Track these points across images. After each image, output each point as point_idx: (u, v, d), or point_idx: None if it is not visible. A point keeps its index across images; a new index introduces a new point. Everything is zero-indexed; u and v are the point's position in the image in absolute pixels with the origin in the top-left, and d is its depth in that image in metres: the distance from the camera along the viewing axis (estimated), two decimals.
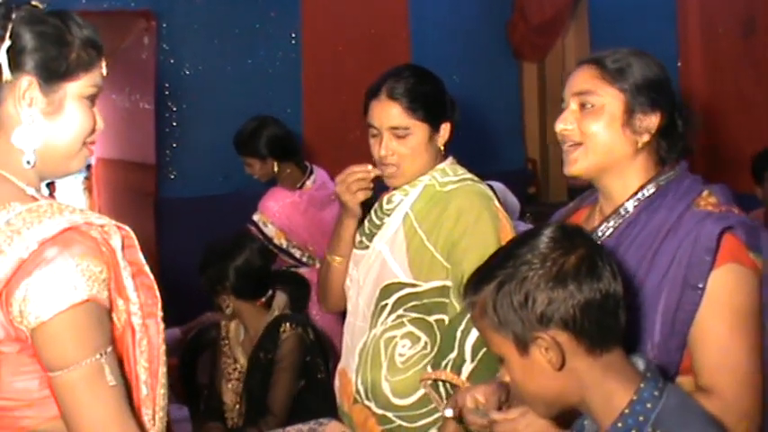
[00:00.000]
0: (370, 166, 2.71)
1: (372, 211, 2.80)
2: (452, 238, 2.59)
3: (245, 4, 6.24)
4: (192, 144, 6.01)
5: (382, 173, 2.70)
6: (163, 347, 1.82)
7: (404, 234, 2.68)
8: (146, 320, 1.77)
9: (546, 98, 7.98)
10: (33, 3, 1.74)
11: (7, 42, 1.67)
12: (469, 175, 2.75)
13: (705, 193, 2.09)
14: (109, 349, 1.68)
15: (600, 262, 1.66)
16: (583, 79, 2.14)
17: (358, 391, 2.72)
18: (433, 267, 2.62)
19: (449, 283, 2.59)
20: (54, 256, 1.61)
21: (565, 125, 2.16)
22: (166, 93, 5.85)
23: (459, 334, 2.52)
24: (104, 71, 1.82)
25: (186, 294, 3.77)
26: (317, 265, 4.61)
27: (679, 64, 5.99)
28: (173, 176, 6.03)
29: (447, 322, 2.59)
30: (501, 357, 1.72)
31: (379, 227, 2.76)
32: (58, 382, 1.64)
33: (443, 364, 2.54)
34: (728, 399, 1.91)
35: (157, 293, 1.80)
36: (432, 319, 2.62)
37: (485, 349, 2.42)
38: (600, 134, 2.10)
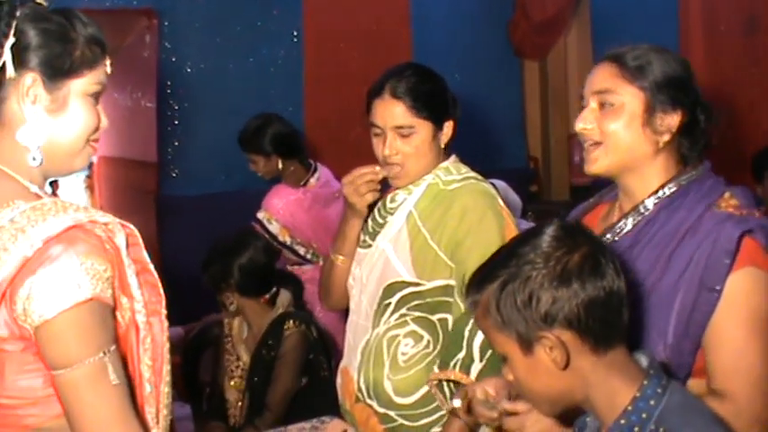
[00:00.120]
0: (377, 168, 2.70)
1: (376, 210, 2.79)
2: (456, 237, 2.59)
3: (247, 1, 6.23)
4: (193, 142, 6.01)
5: (387, 173, 2.69)
6: (167, 345, 1.82)
7: (407, 233, 2.68)
8: (150, 318, 1.77)
9: (548, 96, 7.97)
10: (38, 0, 1.74)
11: (11, 39, 1.67)
12: (473, 174, 2.75)
13: (726, 194, 2.06)
14: (112, 348, 1.68)
15: (603, 259, 1.65)
16: (602, 78, 2.11)
17: (360, 390, 2.72)
18: (436, 266, 2.61)
19: (452, 282, 2.58)
20: (58, 255, 1.61)
21: (584, 124, 2.11)
22: (168, 91, 5.84)
23: (466, 333, 2.51)
24: (109, 69, 1.82)
25: (188, 292, 3.77)
26: (321, 263, 4.62)
27: None
28: (174, 174, 6.02)
29: (452, 322, 2.59)
30: (504, 356, 1.72)
31: (382, 225, 2.75)
32: (62, 381, 1.64)
33: (452, 364, 2.53)
34: (741, 403, 1.90)
35: (161, 291, 1.81)
36: (435, 318, 2.62)
37: None
38: (620, 134, 2.07)
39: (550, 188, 8.11)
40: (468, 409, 2.19)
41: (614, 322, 1.66)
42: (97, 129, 1.81)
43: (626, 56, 2.08)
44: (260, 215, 4.83)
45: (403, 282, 2.65)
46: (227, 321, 3.98)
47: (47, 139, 1.73)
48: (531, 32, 7.59)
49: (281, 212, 4.81)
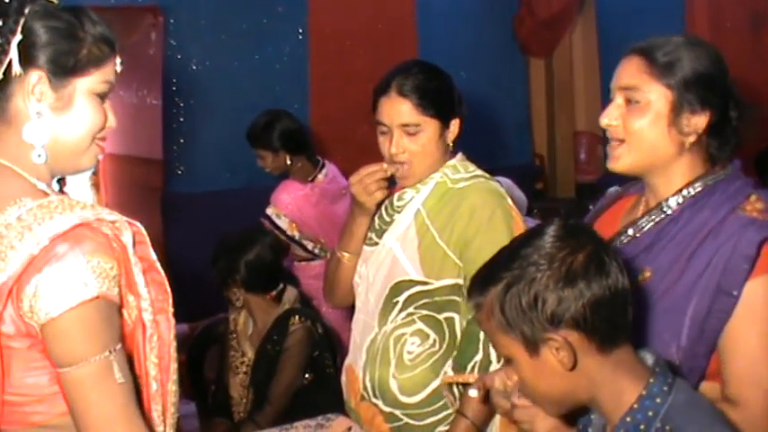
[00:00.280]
0: (385, 165, 2.68)
1: (383, 208, 2.77)
2: (465, 236, 2.58)
3: None
4: (199, 139, 6.02)
5: (393, 171, 2.68)
6: (174, 344, 1.82)
7: (415, 231, 2.67)
8: (156, 316, 1.77)
9: (553, 93, 7.97)
10: None
11: (18, 37, 1.67)
12: (480, 172, 2.73)
13: (753, 197, 1.99)
14: (118, 346, 1.69)
15: (606, 258, 1.65)
16: (629, 73, 2.04)
17: (365, 389, 2.71)
18: (444, 265, 2.60)
19: (461, 281, 2.57)
20: (65, 253, 1.61)
21: (609, 120, 2.06)
22: (174, 88, 5.84)
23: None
24: (119, 68, 1.82)
25: (193, 290, 3.78)
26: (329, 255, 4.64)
27: None
28: (180, 172, 6.03)
29: (460, 322, 2.59)
30: (508, 358, 1.72)
31: (389, 224, 2.74)
32: (67, 379, 1.65)
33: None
34: (754, 411, 1.88)
35: (168, 289, 1.81)
36: (442, 317, 2.61)
37: None
38: (644, 133, 2.01)
39: (556, 185, 8.11)
40: (485, 399, 2.17)
41: (620, 321, 1.65)
42: (104, 127, 1.80)
43: (656, 50, 2.02)
44: (269, 210, 4.86)
45: (411, 280, 2.64)
46: (233, 318, 3.99)
47: (51, 137, 1.73)
48: (537, 29, 7.59)
49: (289, 207, 4.84)
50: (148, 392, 1.79)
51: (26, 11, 1.68)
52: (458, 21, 7.24)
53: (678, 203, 2.03)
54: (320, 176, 4.92)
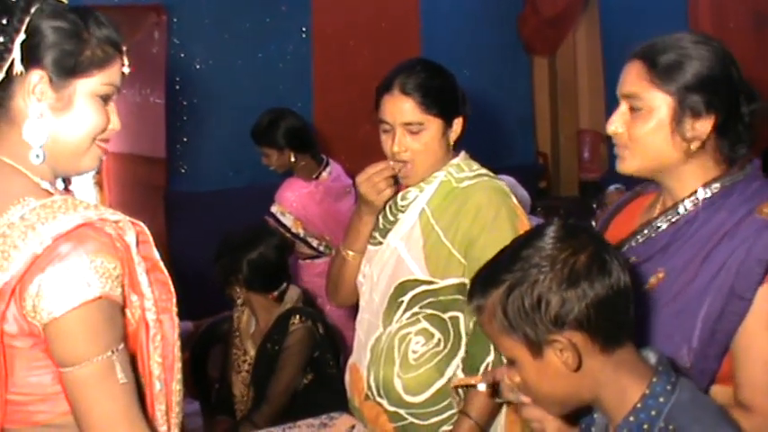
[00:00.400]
0: (391, 162, 2.67)
1: (387, 207, 2.76)
2: (470, 235, 2.57)
3: None
4: (202, 138, 6.02)
5: (397, 171, 2.67)
6: (178, 343, 1.82)
7: (420, 230, 2.66)
8: (160, 316, 1.77)
9: (557, 92, 7.98)
10: None
11: (22, 36, 1.66)
12: (485, 171, 2.72)
13: None
14: (120, 346, 1.68)
15: (607, 257, 1.64)
16: (631, 80, 2.00)
17: (370, 388, 2.71)
18: (449, 264, 2.59)
19: (465, 280, 2.56)
20: (68, 253, 1.61)
21: (615, 128, 2.03)
22: (177, 87, 5.85)
23: None
24: (126, 70, 1.81)
25: (197, 288, 3.78)
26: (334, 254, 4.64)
27: None
28: (183, 170, 6.04)
29: (465, 321, 2.58)
30: (511, 360, 1.71)
31: (393, 223, 2.74)
32: (69, 378, 1.65)
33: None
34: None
35: (172, 289, 1.81)
36: (447, 316, 2.61)
37: None
38: (647, 140, 1.98)
39: (559, 184, 8.12)
40: (493, 393, 2.16)
41: (622, 320, 1.65)
42: (105, 129, 1.79)
43: (657, 54, 1.97)
44: (273, 208, 4.88)
45: (416, 280, 2.63)
46: (237, 316, 3.99)
47: (51, 138, 1.72)
48: (541, 28, 7.59)
49: (293, 205, 4.86)
50: (152, 392, 1.79)
51: (32, 10, 1.68)
52: (461, 19, 7.24)
53: (694, 204, 2.00)
54: (324, 174, 4.93)
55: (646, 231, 2.07)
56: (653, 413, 1.60)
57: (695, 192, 2.00)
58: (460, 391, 2.56)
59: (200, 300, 4.13)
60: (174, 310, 1.81)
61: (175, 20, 5.76)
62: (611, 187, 5.07)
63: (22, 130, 1.71)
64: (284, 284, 3.89)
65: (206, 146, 6.05)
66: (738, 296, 1.87)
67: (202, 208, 5.83)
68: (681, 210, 2.01)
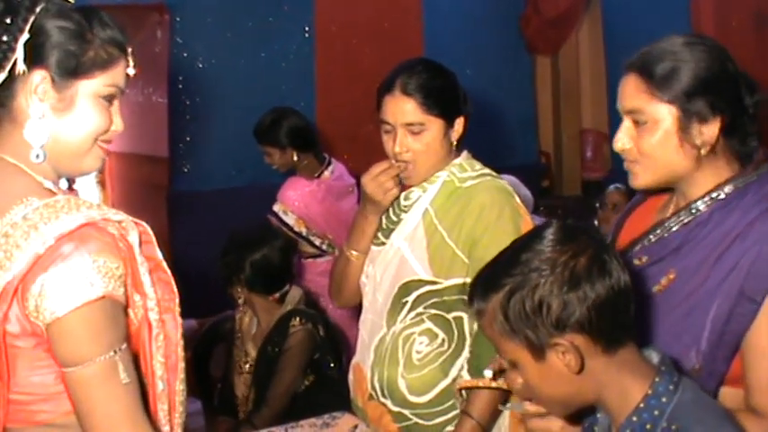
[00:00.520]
0: (394, 161, 2.67)
1: (389, 207, 2.76)
2: (474, 235, 2.57)
3: None
4: (205, 137, 6.02)
5: (401, 170, 2.67)
6: (181, 343, 1.82)
7: (424, 231, 2.66)
8: (163, 316, 1.77)
9: (559, 92, 7.96)
10: None
11: (26, 36, 1.66)
12: (487, 170, 2.72)
13: None
14: (123, 346, 1.69)
15: (607, 257, 1.63)
16: (630, 95, 1.97)
17: (374, 388, 2.71)
18: (453, 264, 2.59)
19: (469, 280, 2.55)
20: (70, 252, 1.61)
21: (623, 145, 1.99)
22: (180, 86, 5.85)
23: None
24: (131, 71, 1.81)
25: (199, 288, 3.77)
26: (337, 253, 4.64)
27: None
28: (186, 170, 6.04)
29: (476, 324, 2.57)
30: (513, 363, 1.71)
31: (396, 223, 2.73)
32: (72, 378, 1.65)
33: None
34: None
35: (175, 289, 1.81)
36: (451, 316, 2.61)
37: None
38: (656, 153, 1.95)
39: (562, 183, 8.11)
40: (502, 396, 2.15)
41: (623, 320, 1.65)
42: (107, 131, 1.79)
43: (652, 64, 1.93)
44: (275, 207, 4.90)
45: (420, 280, 2.63)
46: (238, 317, 3.99)
47: (52, 138, 1.72)
48: (543, 27, 7.58)
49: (295, 204, 4.87)
50: (154, 392, 1.79)
51: (37, 9, 1.68)
52: (464, 19, 7.23)
53: (707, 206, 1.97)
54: (326, 173, 4.94)
55: (658, 231, 2.05)
56: (656, 413, 1.60)
57: (708, 193, 1.97)
58: (464, 392, 2.56)
59: (202, 299, 4.14)
60: (177, 309, 1.81)
61: (178, 19, 5.76)
62: (611, 187, 5.08)
63: (24, 130, 1.71)
64: (286, 286, 3.88)
65: (209, 145, 6.05)
66: (748, 298, 1.85)
67: (205, 207, 5.83)
68: (693, 210, 1.99)
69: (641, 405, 1.61)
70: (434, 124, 2.61)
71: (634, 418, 1.61)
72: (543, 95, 8.04)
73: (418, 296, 2.63)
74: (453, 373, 2.61)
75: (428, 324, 2.62)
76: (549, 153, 8.10)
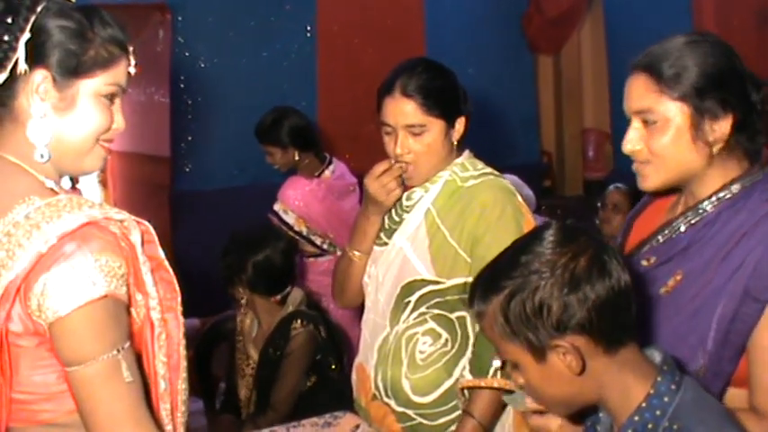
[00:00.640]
0: (394, 161, 2.66)
1: (392, 208, 2.75)
2: (476, 234, 2.56)
3: None
4: (207, 137, 6.03)
5: (402, 171, 2.66)
6: (183, 342, 1.82)
7: (426, 230, 2.65)
8: (165, 315, 1.77)
9: (561, 91, 7.96)
10: None
11: (27, 35, 1.66)
12: (489, 169, 2.72)
13: None
14: (126, 345, 1.69)
15: (607, 257, 1.63)
16: (639, 94, 1.94)
17: (377, 388, 2.70)
18: (456, 264, 2.58)
19: (471, 279, 2.55)
20: (72, 251, 1.61)
21: (633, 147, 1.97)
22: (181, 86, 5.86)
23: None
24: (132, 70, 1.81)
25: (201, 287, 3.78)
26: (339, 253, 4.65)
27: None
28: (188, 169, 6.04)
29: (473, 323, 2.57)
30: (515, 364, 1.71)
31: (398, 223, 2.73)
32: (75, 377, 1.65)
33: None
34: None
35: (177, 288, 1.80)
36: (454, 316, 2.60)
37: None
38: (669, 152, 1.93)
39: (564, 183, 8.11)
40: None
41: (624, 320, 1.64)
42: (109, 129, 1.79)
43: (659, 62, 1.91)
44: (276, 206, 4.92)
45: (423, 280, 2.63)
46: (240, 319, 3.97)
47: (54, 137, 1.72)
48: (545, 26, 7.58)
49: (296, 203, 4.88)
50: (157, 391, 1.79)
51: (38, 9, 1.68)
52: (466, 18, 7.23)
53: (714, 205, 1.95)
54: (327, 172, 4.95)
55: (666, 232, 2.04)
56: (657, 413, 1.60)
57: (716, 192, 1.95)
58: (466, 392, 2.56)
59: (205, 298, 4.14)
60: (179, 309, 1.81)
61: (180, 19, 5.76)
62: (611, 187, 5.07)
63: (25, 129, 1.71)
64: (288, 288, 3.87)
65: (211, 144, 6.05)
66: (753, 297, 1.84)
67: (207, 206, 5.84)
68: (700, 210, 1.97)
69: (643, 405, 1.61)
70: (435, 125, 2.60)
71: (636, 418, 1.61)
72: (545, 95, 8.04)
73: (421, 296, 2.63)
74: (457, 372, 2.61)
75: (431, 324, 2.62)
76: (551, 152, 8.10)
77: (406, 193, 2.72)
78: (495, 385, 2.48)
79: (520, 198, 2.67)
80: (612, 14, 7.42)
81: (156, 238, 1.78)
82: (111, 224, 1.68)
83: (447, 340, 2.61)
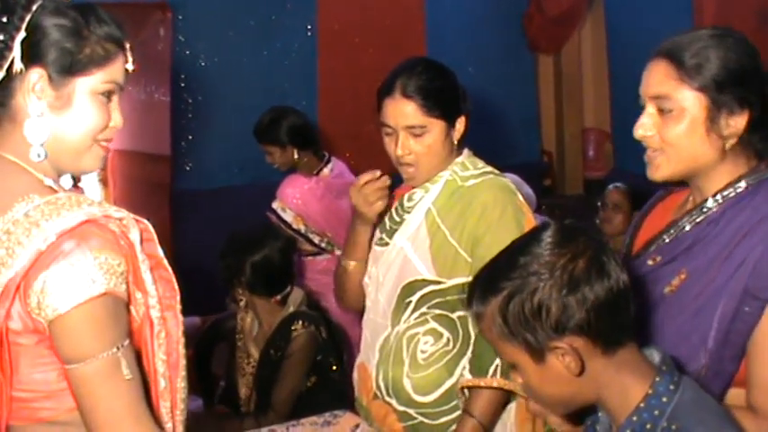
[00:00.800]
0: (378, 172, 2.66)
1: (393, 209, 2.75)
2: (476, 234, 2.56)
3: None
4: (207, 136, 6.03)
5: (402, 174, 2.65)
6: (182, 340, 1.82)
7: (426, 230, 2.65)
8: (164, 313, 1.77)
9: (562, 90, 7.95)
10: None
11: (22, 34, 1.66)
12: (489, 169, 2.71)
13: None
14: (126, 342, 1.69)
15: (605, 258, 1.63)
16: (657, 80, 1.92)
17: (378, 387, 2.70)
18: (456, 263, 2.58)
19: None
20: (72, 249, 1.61)
21: (644, 132, 1.95)
22: (182, 84, 5.86)
23: None
24: (130, 67, 1.80)
25: (201, 285, 3.77)
26: (337, 252, 4.66)
27: None
28: (188, 168, 6.04)
29: (474, 324, 2.57)
30: (514, 364, 1.71)
31: (399, 223, 2.73)
32: (75, 375, 1.65)
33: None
34: None
35: (176, 286, 1.80)
36: (455, 315, 2.60)
37: None
38: (682, 142, 1.91)
39: (564, 182, 8.09)
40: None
41: (623, 321, 1.64)
42: (106, 127, 1.78)
43: (683, 51, 1.90)
44: (274, 204, 4.94)
45: (423, 280, 2.63)
46: (240, 317, 3.97)
47: (51, 136, 1.72)
48: (546, 26, 7.57)
49: (294, 201, 4.89)
50: (156, 389, 1.79)
51: (34, 7, 1.67)
52: (466, 17, 7.23)
53: (718, 204, 1.94)
54: (325, 170, 4.96)
55: (672, 231, 2.03)
56: (656, 413, 1.60)
57: (720, 191, 1.94)
58: (466, 391, 2.56)
59: (205, 296, 4.14)
60: (179, 307, 1.81)
61: (180, 17, 5.76)
62: (611, 186, 5.07)
63: (23, 128, 1.70)
64: (288, 288, 3.86)
65: (211, 143, 6.05)
66: (753, 296, 1.83)
67: (207, 205, 5.84)
68: (705, 209, 1.96)
69: (641, 405, 1.61)
70: (436, 126, 2.60)
71: (634, 418, 1.61)
72: (545, 94, 8.03)
73: (422, 296, 2.62)
74: (458, 372, 2.61)
75: (433, 324, 2.62)
76: (551, 152, 8.08)
77: (407, 194, 2.72)
78: (495, 385, 2.48)
79: (520, 197, 2.66)
80: (613, 14, 7.41)
81: (155, 237, 1.78)
82: (111, 222, 1.68)
83: (449, 340, 2.61)
